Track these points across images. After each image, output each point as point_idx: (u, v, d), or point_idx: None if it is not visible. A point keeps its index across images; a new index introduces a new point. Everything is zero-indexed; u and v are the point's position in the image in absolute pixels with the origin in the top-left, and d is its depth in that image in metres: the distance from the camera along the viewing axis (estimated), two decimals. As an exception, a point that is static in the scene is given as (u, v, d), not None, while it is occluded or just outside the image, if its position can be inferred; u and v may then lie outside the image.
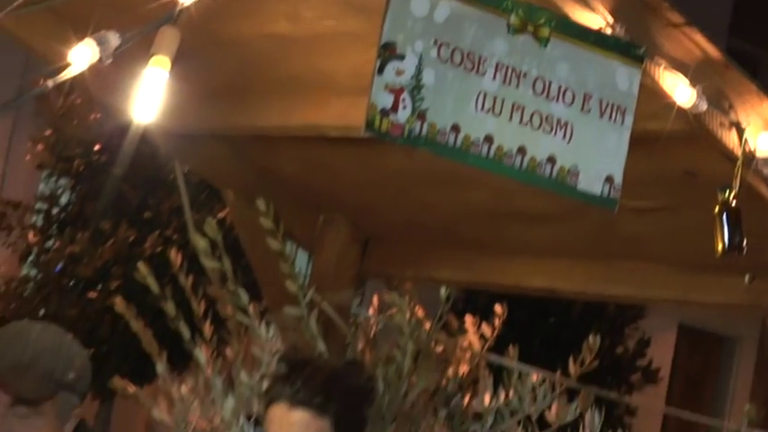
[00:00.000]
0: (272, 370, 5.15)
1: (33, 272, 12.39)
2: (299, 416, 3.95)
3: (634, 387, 13.52)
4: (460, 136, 4.49)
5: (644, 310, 13.76)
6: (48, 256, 12.09)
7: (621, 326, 13.53)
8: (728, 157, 4.68)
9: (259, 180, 5.68)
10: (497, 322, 5.64)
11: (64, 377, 3.70)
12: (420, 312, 5.36)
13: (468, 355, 5.51)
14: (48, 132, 12.16)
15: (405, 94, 4.49)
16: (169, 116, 4.53)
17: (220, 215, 5.83)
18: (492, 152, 4.55)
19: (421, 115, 4.49)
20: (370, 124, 4.46)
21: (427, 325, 5.35)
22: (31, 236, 12.23)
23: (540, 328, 12.26)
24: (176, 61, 4.32)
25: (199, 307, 5.28)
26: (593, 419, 5.31)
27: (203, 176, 7.47)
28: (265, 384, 5.09)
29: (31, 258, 12.37)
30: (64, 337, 3.86)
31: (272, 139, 5.71)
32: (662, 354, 15.15)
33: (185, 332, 5.23)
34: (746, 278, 5.51)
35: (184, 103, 5.26)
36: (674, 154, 4.88)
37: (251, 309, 5.26)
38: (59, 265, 11.96)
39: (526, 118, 4.51)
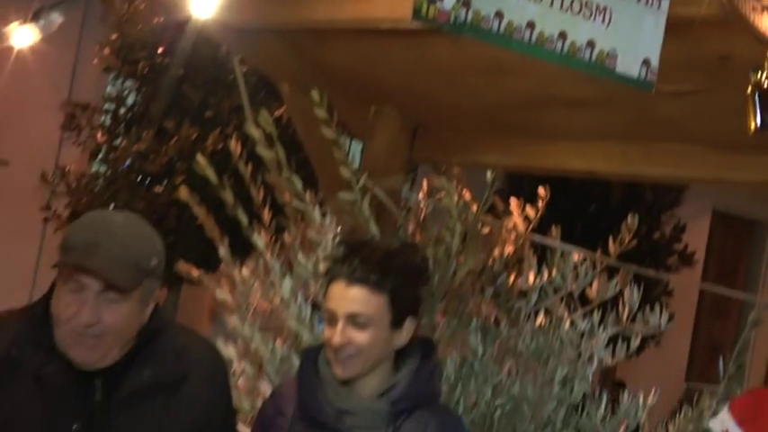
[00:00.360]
0: (327, 253, 5.19)
1: (103, 168, 12.45)
2: (357, 292, 3.97)
3: (671, 270, 13.51)
4: (503, 22, 4.45)
5: (680, 197, 13.81)
6: (116, 153, 12.13)
7: (658, 212, 13.56)
8: (761, 39, 4.62)
9: (313, 73, 5.63)
10: (541, 204, 5.65)
11: (149, 264, 3.72)
12: (467, 195, 5.38)
13: (513, 235, 5.53)
14: (113, 37, 12.14)
15: (450, -18, 4.49)
16: (227, 11, 4.51)
17: (277, 113, 5.80)
18: (534, 37, 4.52)
19: (466, 2, 4.46)
20: (417, 12, 4.42)
21: (474, 207, 5.38)
22: (99, 135, 12.26)
23: (581, 216, 12.28)
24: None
25: (258, 195, 5.34)
26: (632, 295, 5.34)
27: (260, 70, 7.42)
28: (323, 266, 5.14)
29: (100, 156, 12.41)
30: (145, 225, 3.87)
31: (324, 33, 5.65)
32: (697, 238, 15.14)
33: (244, 219, 5.28)
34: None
35: (241, -2, 5.26)
36: (708, 38, 4.80)
37: (307, 195, 5.30)
38: (127, 162, 12.00)
39: (567, 3, 4.47)
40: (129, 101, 12.40)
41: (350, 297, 3.97)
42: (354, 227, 5.15)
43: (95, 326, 3.62)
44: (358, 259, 3.99)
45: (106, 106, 12.58)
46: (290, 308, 5.15)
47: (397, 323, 4.03)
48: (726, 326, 16.79)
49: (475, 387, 5.10)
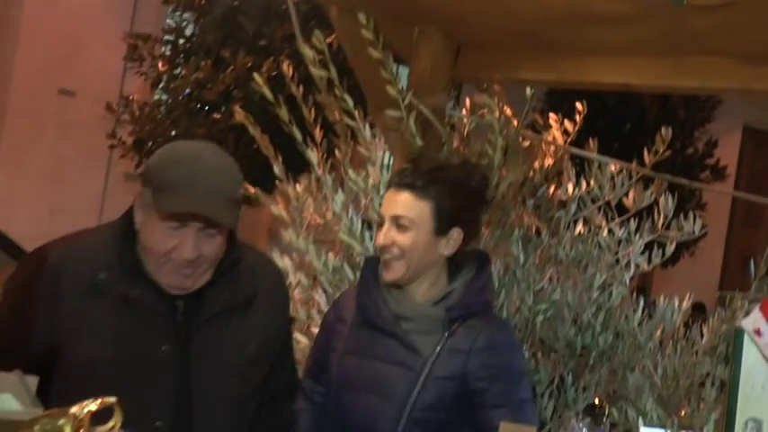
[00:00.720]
0: (377, 168, 5.23)
1: (164, 97, 12.52)
2: (403, 196, 4.04)
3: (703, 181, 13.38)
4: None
5: (711, 113, 13.79)
6: (176, 82, 12.20)
7: (691, 129, 13.52)
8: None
9: None
10: (578, 119, 5.62)
11: (239, 195, 3.77)
12: (508, 111, 5.34)
13: (552, 149, 5.51)
14: (172, -30, 12.27)
15: None
16: None
17: (328, 40, 5.77)
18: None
19: None
20: None
21: (515, 123, 5.35)
22: (160, 65, 12.33)
23: (618, 135, 12.27)
24: None
25: (310, 114, 5.33)
26: (667, 203, 5.35)
27: (309, -2, 7.41)
28: (372, 181, 5.19)
29: (161, 85, 12.48)
30: (227, 156, 3.89)
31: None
32: (728, 154, 15.06)
33: (298, 135, 5.27)
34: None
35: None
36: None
37: (356, 113, 5.31)
38: (186, 91, 12.07)
39: None
40: (188, 32, 12.50)
41: (396, 201, 4.04)
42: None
43: (200, 257, 3.68)
44: (410, 168, 4.07)
45: (166, 37, 12.69)
46: (342, 221, 5.18)
47: (440, 231, 4.06)
48: (758, 236, 16.71)
49: (518, 294, 5.11)
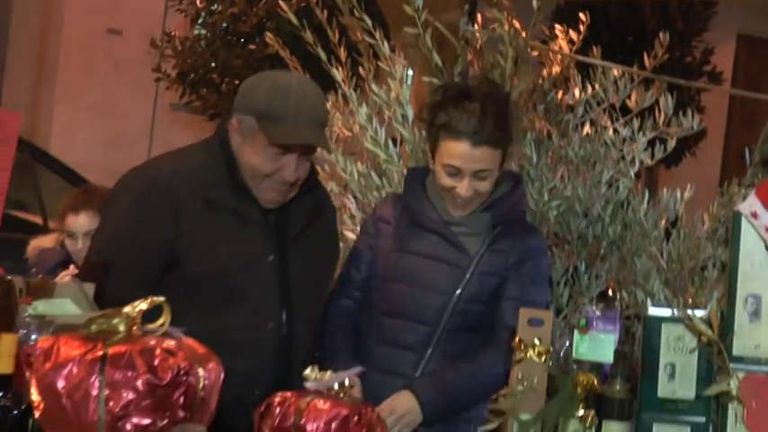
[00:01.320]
0: (397, 82, 5.25)
1: (203, 32, 12.54)
2: (482, 152, 4.05)
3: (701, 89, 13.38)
4: None
5: (707, 23, 13.75)
6: (213, 17, 12.22)
7: (689, 39, 13.50)
8: None
9: None
10: (582, 28, 5.58)
11: (328, 119, 4.07)
12: (517, 24, 5.31)
13: (558, 57, 5.49)
14: None
15: None
16: None
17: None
18: None
19: None
20: None
21: (524, 34, 5.31)
22: (198, 2, 12.35)
23: (621, 46, 12.21)
24: None
25: (334, 35, 5.36)
26: (667, 102, 5.32)
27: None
28: (394, 94, 5.19)
29: (200, 21, 12.52)
30: (317, 87, 3.98)
31: None
32: (724, 61, 14.97)
33: (323, 55, 5.33)
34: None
35: None
36: None
37: (377, 33, 5.31)
38: (223, 25, 12.07)
39: None
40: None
41: (476, 157, 4.04)
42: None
43: (299, 179, 3.84)
44: (478, 115, 4.01)
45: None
46: (368, 132, 5.23)
47: (503, 164, 4.16)
48: (754, 134, 16.59)
49: (532, 192, 5.11)
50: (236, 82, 11.58)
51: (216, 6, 12.16)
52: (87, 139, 13.87)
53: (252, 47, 11.74)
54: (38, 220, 8.73)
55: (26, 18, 15.22)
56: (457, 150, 4.01)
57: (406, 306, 4.14)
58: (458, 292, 4.13)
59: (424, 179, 4.23)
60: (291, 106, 3.76)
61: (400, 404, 3.95)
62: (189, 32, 12.75)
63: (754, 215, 3.85)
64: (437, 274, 4.14)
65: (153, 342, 2.69)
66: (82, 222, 5.44)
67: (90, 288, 3.43)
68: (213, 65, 12.06)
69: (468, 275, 4.14)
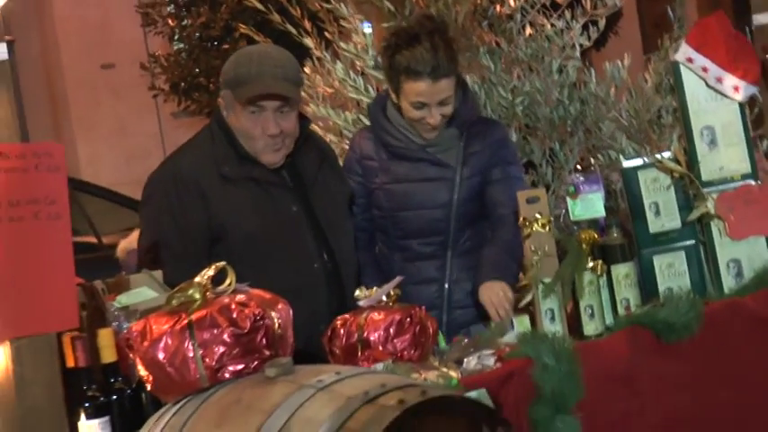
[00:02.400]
0: (360, 37, 5.21)
1: (181, 45, 12.50)
2: (442, 83, 4.04)
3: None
4: None
5: None
6: (186, 31, 12.17)
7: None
8: None
9: None
10: None
11: (300, 78, 3.92)
12: None
13: None
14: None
15: None
16: None
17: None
18: None
19: None
20: None
21: None
22: (170, 22, 12.29)
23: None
24: None
25: (296, 11, 5.32)
26: None
27: None
28: (361, 47, 5.15)
29: (176, 37, 12.44)
30: (284, 50, 3.95)
31: None
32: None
33: (292, 29, 5.32)
34: None
35: None
36: None
37: None
38: (197, 35, 12.02)
39: None
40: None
41: (437, 90, 4.03)
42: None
43: (279, 134, 3.74)
44: (430, 54, 3.98)
45: (169, -1, 12.65)
46: (347, 84, 5.21)
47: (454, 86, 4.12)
48: (660, 5, 16.41)
49: (497, 95, 5.09)
50: (221, 79, 11.60)
51: (186, 21, 12.13)
52: (110, 160, 13.90)
53: (225, 46, 11.68)
54: (92, 239, 8.72)
55: (30, 64, 15.28)
56: (420, 88, 4.00)
57: (417, 226, 4.16)
58: (454, 198, 4.14)
59: (386, 110, 4.21)
60: (254, 67, 3.72)
61: (493, 290, 3.94)
62: (170, 49, 12.71)
63: (690, 60, 3.91)
64: (431, 193, 4.15)
65: (227, 300, 2.71)
66: None
67: (158, 274, 3.43)
68: (197, 70, 12.06)
69: (456, 184, 4.15)
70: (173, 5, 12.39)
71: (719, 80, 3.89)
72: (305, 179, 3.93)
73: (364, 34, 5.23)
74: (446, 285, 4.18)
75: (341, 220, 4.00)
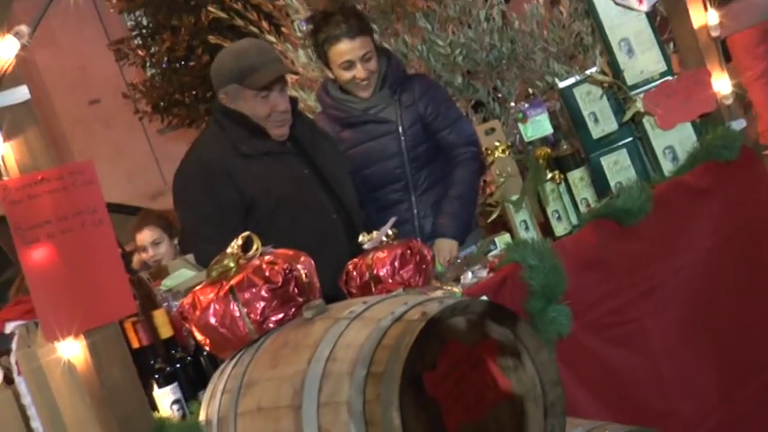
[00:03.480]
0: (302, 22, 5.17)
1: (153, 71, 12.39)
2: (359, 41, 4.04)
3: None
4: None
5: None
6: (155, 57, 12.03)
7: None
8: None
9: None
10: None
11: (279, 56, 4.01)
12: None
13: None
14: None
15: None
16: None
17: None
18: None
19: None
20: None
21: None
22: (140, 52, 12.18)
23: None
24: None
25: (253, 15, 5.32)
26: None
27: None
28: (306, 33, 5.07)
29: (147, 64, 12.31)
30: (259, 40, 4.12)
31: None
32: None
33: (254, 29, 5.30)
34: None
35: None
36: None
37: None
38: (165, 59, 11.90)
39: None
40: (144, 21, 12.29)
41: (356, 46, 4.04)
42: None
43: (287, 107, 3.78)
44: (343, 21, 4.01)
45: (133, 33, 12.50)
46: (310, 65, 5.15)
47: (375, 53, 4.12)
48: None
49: (438, 50, 5.06)
50: (194, 92, 11.55)
51: (153, 49, 12.02)
52: (113, 181, 13.70)
53: (192, 63, 11.59)
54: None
55: None
56: (342, 49, 4.02)
57: (380, 179, 4.18)
58: (402, 147, 4.15)
59: (328, 91, 4.22)
60: (256, 59, 3.72)
61: (443, 249, 3.97)
62: (145, 76, 12.59)
63: None
64: (383, 147, 4.16)
65: (257, 262, 2.70)
66: (146, 236, 5.36)
67: (190, 257, 3.45)
68: (172, 89, 11.94)
69: (401, 134, 4.15)
70: (138, 38, 12.27)
71: None
72: (305, 146, 3.91)
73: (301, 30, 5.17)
74: (416, 223, 4.20)
75: (344, 176, 3.99)
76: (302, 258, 2.75)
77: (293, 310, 2.66)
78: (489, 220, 3.94)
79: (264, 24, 5.21)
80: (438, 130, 4.12)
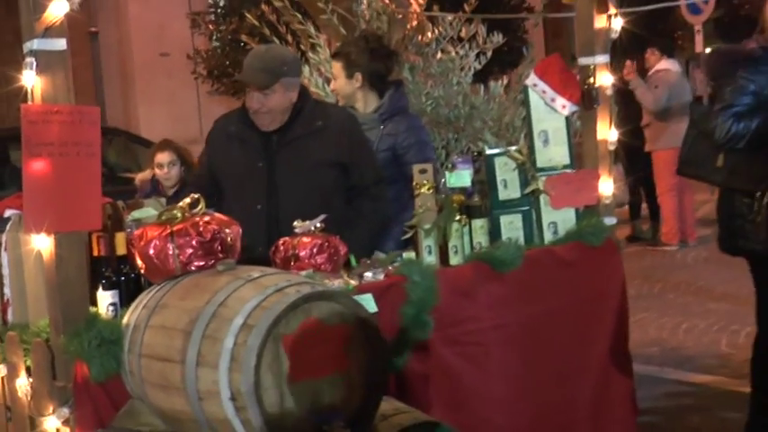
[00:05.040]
0: (324, 49, 5.22)
1: (217, 44, 12.48)
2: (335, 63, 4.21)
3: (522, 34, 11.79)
4: None
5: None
6: (221, 33, 12.12)
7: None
8: None
9: None
10: None
11: (281, 69, 3.68)
12: (387, 1, 5.21)
13: (414, 15, 5.37)
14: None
15: None
16: None
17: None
18: None
19: None
20: None
21: (393, 6, 5.22)
22: (210, 26, 12.32)
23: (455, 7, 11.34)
24: None
25: (282, 28, 5.38)
26: (483, 32, 5.30)
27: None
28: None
29: (214, 37, 12.39)
30: (281, 47, 4.07)
31: None
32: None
33: (277, 41, 5.32)
34: None
35: None
36: None
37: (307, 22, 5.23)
38: (229, 37, 11.98)
39: None
40: (221, 2, 12.36)
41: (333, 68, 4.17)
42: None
43: (262, 107, 3.69)
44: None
45: (210, 10, 12.60)
46: (311, 81, 5.16)
47: (349, 76, 4.17)
48: (561, 43, 16.00)
49: (413, 99, 5.05)
50: (243, 70, 11.63)
51: (222, 26, 12.11)
52: (162, 122, 13.87)
53: (248, 47, 11.66)
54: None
55: (108, 49, 15.21)
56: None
57: None
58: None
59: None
60: (249, 60, 3.73)
61: None
62: (209, 46, 12.68)
63: (535, 85, 3.98)
64: None
65: (197, 219, 2.80)
66: (165, 156, 5.53)
67: (162, 201, 3.58)
68: (227, 63, 12.00)
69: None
70: (213, 15, 12.40)
71: (553, 100, 3.95)
72: (284, 142, 3.78)
73: (325, 49, 5.16)
74: None
75: (300, 179, 3.79)
76: (233, 226, 2.84)
77: (212, 261, 2.75)
78: (403, 238, 3.95)
79: (289, 38, 5.29)
80: (406, 162, 4.11)
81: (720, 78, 3.94)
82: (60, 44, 2.80)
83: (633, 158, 8.83)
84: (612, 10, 4.01)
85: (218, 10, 12.42)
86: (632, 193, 9.55)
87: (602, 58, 4.07)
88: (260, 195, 3.77)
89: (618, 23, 4.02)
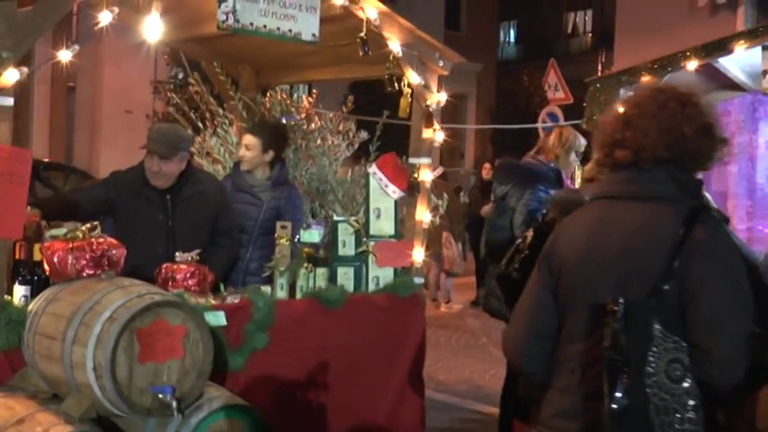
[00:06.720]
0: (233, 129, 5.13)
1: (172, 108, 12.51)
2: (249, 137, 4.35)
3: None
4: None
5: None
6: (176, 101, 12.24)
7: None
8: None
9: (208, 52, 5.08)
10: (313, 97, 5.45)
11: (180, 144, 3.86)
12: (284, 96, 5.21)
13: (305, 109, 5.32)
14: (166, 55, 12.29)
15: None
16: (167, 35, 3.69)
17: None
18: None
19: (236, 19, 3.77)
20: (218, 26, 3.78)
21: (288, 101, 5.21)
22: (168, 93, 12.43)
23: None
24: None
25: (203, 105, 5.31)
26: (355, 125, 5.34)
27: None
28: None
29: (170, 103, 12.56)
30: (179, 127, 4.17)
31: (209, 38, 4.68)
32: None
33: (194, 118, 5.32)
34: None
35: None
36: None
37: (222, 107, 5.16)
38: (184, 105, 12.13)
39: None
40: (180, 76, 12.59)
41: (246, 141, 4.33)
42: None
43: (160, 171, 3.81)
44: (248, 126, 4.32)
45: (170, 80, 12.83)
46: (214, 150, 5.15)
47: (264, 151, 4.34)
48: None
49: (296, 173, 5.08)
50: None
51: (178, 95, 12.31)
52: (119, 167, 13.87)
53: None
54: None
55: (82, 103, 15.12)
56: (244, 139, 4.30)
57: (242, 226, 4.22)
58: (259, 217, 4.29)
59: (236, 172, 4.38)
60: (152, 135, 3.89)
61: None
62: (166, 109, 12.87)
63: (375, 173, 4.23)
64: (248, 211, 4.29)
65: (93, 240, 3.06)
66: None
67: (79, 224, 3.84)
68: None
69: (263, 210, 4.31)
70: (172, 85, 12.67)
71: (386, 186, 4.20)
72: (178, 201, 3.88)
73: (230, 126, 5.06)
74: (245, 262, 4.27)
75: (192, 232, 3.87)
76: (120, 249, 3.11)
77: (99, 271, 3.02)
78: (264, 275, 4.02)
79: (207, 115, 5.27)
80: (285, 220, 4.14)
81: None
82: (8, 102, 3.17)
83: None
84: (437, 126, 4.40)
85: (177, 81, 12.72)
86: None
87: (426, 160, 4.33)
88: (161, 240, 3.84)
89: (440, 136, 4.37)
